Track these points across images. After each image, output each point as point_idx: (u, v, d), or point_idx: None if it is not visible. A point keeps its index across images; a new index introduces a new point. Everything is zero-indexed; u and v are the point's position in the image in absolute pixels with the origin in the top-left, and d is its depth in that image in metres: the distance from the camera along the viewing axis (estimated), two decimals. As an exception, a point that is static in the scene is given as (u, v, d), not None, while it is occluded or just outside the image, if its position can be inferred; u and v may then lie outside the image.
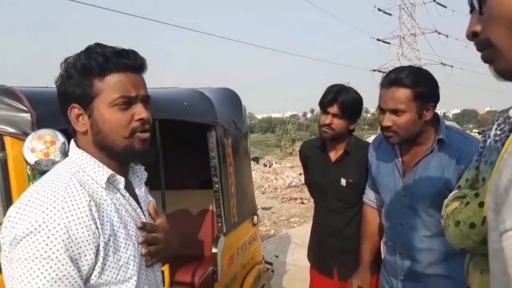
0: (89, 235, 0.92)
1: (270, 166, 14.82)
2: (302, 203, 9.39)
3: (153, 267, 1.15)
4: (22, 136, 1.53)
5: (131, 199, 1.10)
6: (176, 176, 3.53)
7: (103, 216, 0.98)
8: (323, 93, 2.26)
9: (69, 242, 0.89)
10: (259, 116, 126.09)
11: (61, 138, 1.47)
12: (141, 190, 1.20)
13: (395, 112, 1.69)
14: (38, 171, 1.44)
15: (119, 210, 1.05)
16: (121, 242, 1.01)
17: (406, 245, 1.84)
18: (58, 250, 0.88)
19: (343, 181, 2.24)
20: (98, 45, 1.04)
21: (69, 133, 1.12)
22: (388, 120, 1.72)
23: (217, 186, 2.82)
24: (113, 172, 1.05)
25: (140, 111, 1.04)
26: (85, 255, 0.92)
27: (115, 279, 0.99)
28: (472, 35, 0.73)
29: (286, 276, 4.94)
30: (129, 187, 1.15)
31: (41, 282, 0.87)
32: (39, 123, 1.56)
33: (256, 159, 16.94)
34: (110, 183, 1.05)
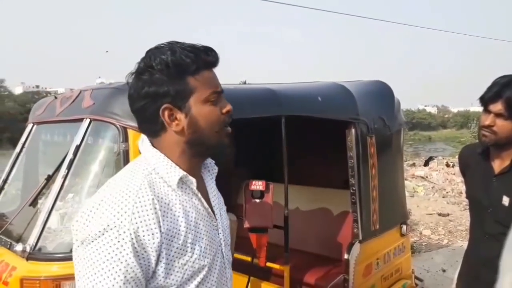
0: (153, 243, 0.92)
1: (454, 166, 13.10)
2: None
3: (224, 266, 1.12)
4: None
5: (202, 199, 1.07)
6: (322, 174, 3.43)
7: (169, 222, 0.97)
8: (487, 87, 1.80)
9: (137, 247, 0.90)
10: (455, 110, 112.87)
11: None
12: (211, 185, 1.16)
13: None
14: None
15: (189, 212, 1.02)
16: (187, 246, 0.98)
17: None
18: (127, 254, 0.89)
19: (506, 200, 1.77)
20: (178, 42, 1.02)
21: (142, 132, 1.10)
22: None
23: (354, 188, 2.60)
24: (185, 173, 1.02)
25: (225, 104, 1.06)
26: (149, 260, 0.93)
27: (179, 282, 0.98)
28: None
29: (451, 296, 4.30)
30: (201, 185, 1.11)
31: (111, 283, 0.89)
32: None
33: (431, 159, 15.31)
34: (184, 183, 1.03)
